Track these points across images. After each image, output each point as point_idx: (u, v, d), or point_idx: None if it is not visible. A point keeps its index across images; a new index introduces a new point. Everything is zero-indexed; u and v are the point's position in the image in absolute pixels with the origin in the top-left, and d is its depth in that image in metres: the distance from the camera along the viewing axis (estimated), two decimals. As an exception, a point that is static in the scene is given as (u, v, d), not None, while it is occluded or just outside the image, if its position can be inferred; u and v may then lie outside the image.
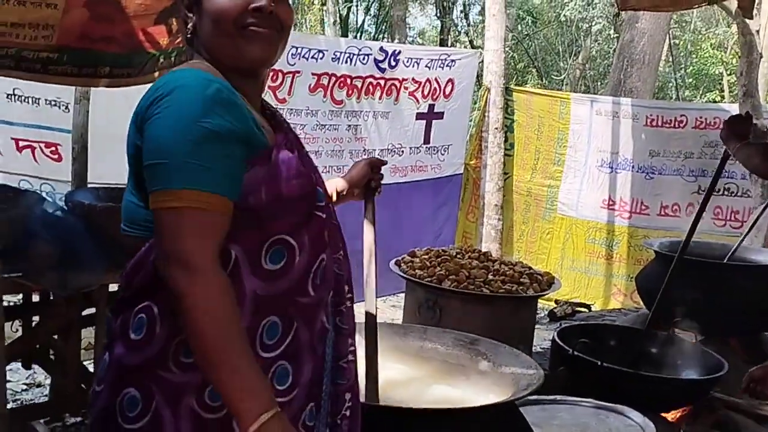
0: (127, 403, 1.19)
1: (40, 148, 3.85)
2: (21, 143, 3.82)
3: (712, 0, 4.64)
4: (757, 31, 4.89)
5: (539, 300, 5.65)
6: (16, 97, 3.75)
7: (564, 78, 17.46)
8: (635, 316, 3.99)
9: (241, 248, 1.20)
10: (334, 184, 1.74)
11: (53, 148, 3.84)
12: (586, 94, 15.49)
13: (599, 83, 16.43)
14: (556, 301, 4.82)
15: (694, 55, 16.99)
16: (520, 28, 17.80)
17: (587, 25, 15.91)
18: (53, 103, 3.82)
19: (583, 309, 4.57)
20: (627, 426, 2.23)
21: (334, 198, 1.70)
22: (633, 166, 5.79)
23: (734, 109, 5.17)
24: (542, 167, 6.06)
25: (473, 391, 1.78)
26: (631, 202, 5.82)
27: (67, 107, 3.70)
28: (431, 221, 6.09)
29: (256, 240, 1.22)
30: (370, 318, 1.64)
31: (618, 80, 9.21)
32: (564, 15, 16.04)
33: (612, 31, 15.27)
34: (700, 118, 5.47)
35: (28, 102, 3.79)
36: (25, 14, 2.73)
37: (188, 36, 1.31)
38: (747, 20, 4.75)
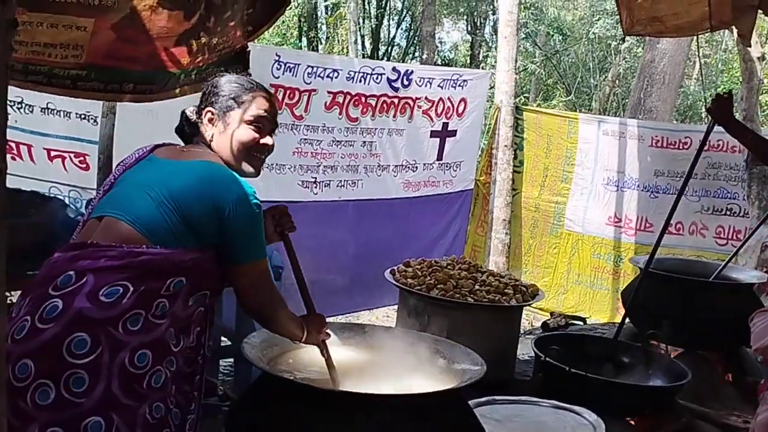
0: (76, 343, 1.59)
1: (70, 157, 4.17)
2: (53, 153, 4.14)
3: (715, 27, 4.80)
4: (759, 58, 5.02)
5: (537, 312, 5.84)
6: (50, 110, 4.08)
7: (593, 95, 17.54)
8: (624, 330, 4.15)
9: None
10: None
11: (82, 158, 4.16)
12: (614, 112, 15.59)
13: (628, 100, 16.46)
14: (551, 313, 4.98)
15: (725, 74, 16.93)
16: (552, 43, 17.93)
17: (616, 43, 15.99)
18: (83, 116, 4.13)
19: (577, 321, 4.72)
20: (580, 424, 2.42)
21: None
22: (638, 185, 5.93)
23: (735, 132, 5.28)
24: (550, 184, 6.24)
25: (426, 384, 2.00)
26: (636, 220, 5.96)
27: (95, 120, 4.00)
28: (442, 234, 6.30)
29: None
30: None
31: (638, 99, 9.33)
32: (593, 32, 16.15)
33: (641, 49, 15.32)
34: (705, 139, 5.59)
35: (60, 115, 4.11)
36: (56, 36, 2.98)
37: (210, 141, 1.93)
38: (747, 48, 4.90)
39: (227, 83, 1.95)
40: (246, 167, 1.93)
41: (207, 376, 1.97)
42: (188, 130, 1.97)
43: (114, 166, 2.10)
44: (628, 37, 15.62)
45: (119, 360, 1.62)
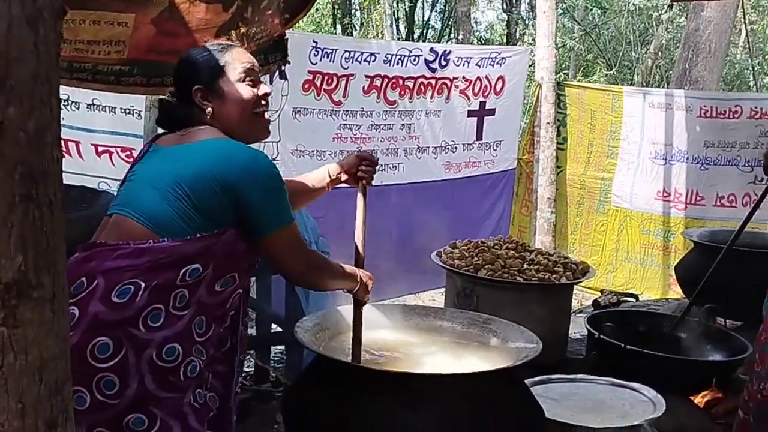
0: (99, 347, 1.60)
1: (117, 152, 4.24)
2: (100, 148, 4.23)
3: (763, -11, 4.63)
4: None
5: (586, 291, 5.75)
6: (95, 106, 4.16)
7: (635, 68, 17.14)
8: (676, 305, 4.06)
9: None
10: (328, 168, 2.24)
11: (128, 152, 4.22)
12: (657, 84, 15.22)
13: (672, 72, 16.01)
14: (602, 291, 4.90)
15: (772, 40, 16.36)
16: (590, 18, 17.55)
17: (657, 14, 15.58)
18: (127, 111, 4.20)
19: (629, 298, 4.63)
20: (639, 401, 2.37)
21: (328, 180, 2.22)
22: (687, 158, 5.78)
23: (789, 98, 5.12)
24: (595, 160, 6.11)
25: (482, 363, 1.98)
26: (686, 193, 5.81)
27: (139, 114, 4.07)
28: (486, 216, 6.23)
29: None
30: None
31: (683, 70, 9.06)
32: (633, 4, 15.76)
33: (683, 19, 14.88)
34: (756, 108, 5.42)
35: (105, 111, 4.19)
36: (99, 32, 3.03)
37: (209, 117, 1.84)
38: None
39: (198, 57, 1.87)
40: (255, 129, 1.88)
41: (259, 362, 1.98)
42: (178, 115, 1.87)
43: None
44: (669, 7, 15.22)
45: (146, 358, 1.62)
